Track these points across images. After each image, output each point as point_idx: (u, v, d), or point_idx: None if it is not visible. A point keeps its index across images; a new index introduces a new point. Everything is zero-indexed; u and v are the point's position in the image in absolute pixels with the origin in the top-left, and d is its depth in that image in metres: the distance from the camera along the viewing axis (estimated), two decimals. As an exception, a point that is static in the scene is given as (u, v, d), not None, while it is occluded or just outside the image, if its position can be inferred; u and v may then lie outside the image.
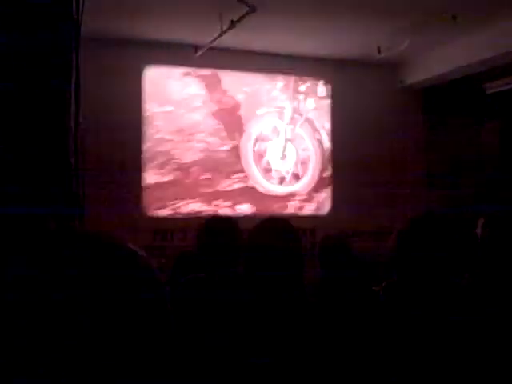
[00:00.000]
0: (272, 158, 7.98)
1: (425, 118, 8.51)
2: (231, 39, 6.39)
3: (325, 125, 8.19)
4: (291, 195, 8.05)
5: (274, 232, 2.00)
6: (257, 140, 7.88)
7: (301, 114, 8.09)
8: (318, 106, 8.17)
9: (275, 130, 8.01)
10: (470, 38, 6.75)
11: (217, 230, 2.74)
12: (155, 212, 7.31)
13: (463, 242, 1.90)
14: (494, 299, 2.43)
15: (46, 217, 1.77)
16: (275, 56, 7.60)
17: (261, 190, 7.86)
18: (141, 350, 0.65)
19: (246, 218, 6.61)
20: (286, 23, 6.40)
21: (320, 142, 8.18)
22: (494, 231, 3.02)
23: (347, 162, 7.90)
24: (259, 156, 7.88)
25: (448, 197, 8.29)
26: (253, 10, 5.46)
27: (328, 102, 8.18)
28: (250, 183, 7.81)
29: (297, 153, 8.08)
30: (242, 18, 5.68)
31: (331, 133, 8.15)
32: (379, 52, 7.15)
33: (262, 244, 1.97)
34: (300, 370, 1.78)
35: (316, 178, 8.16)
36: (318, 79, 8.12)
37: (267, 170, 7.92)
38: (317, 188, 8.16)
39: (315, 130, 8.16)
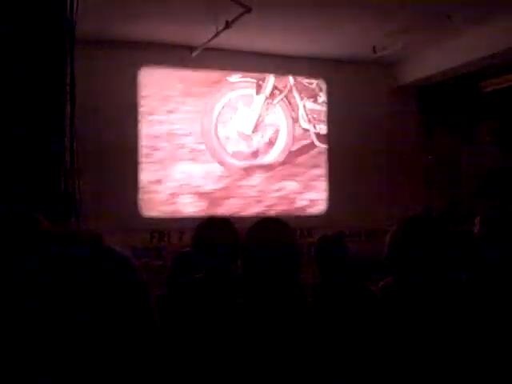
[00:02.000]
0: (241, 129, 7.75)
1: (421, 117, 8.53)
2: (227, 40, 6.38)
3: (306, 104, 8.04)
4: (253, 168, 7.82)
5: (271, 232, 2.00)
6: (223, 108, 7.63)
7: (281, 90, 7.93)
8: (302, 87, 8.04)
9: (248, 101, 7.78)
10: (466, 37, 6.76)
11: (214, 231, 2.73)
12: (152, 212, 7.30)
13: (460, 240, 1.90)
14: (491, 298, 2.44)
15: (38, 216, 1.76)
16: (271, 56, 7.60)
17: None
18: (123, 354, 0.64)
19: (243, 218, 6.60)
20: (282, 23, 6.40)
21: (295, 121, 8.01)
22: (491, 229, 3.03)
23: (344, 161, 7.91)
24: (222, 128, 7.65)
25: (445, 196, 8.31)
26: (248, 10, 5.45)
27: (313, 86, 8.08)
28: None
29: (266, 129, 7.90)
30: (237, 18, 5.67)
31: (328, 132, 8.15)
32: (374, 51, 7.16)
33: (258, 244, 1.97)
34: (298, 370, 1.78)
35: (282, 157, 7.97)
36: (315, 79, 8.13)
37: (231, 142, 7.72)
38: (281, 171, 8.00)
39: (292, 109, 8.00)
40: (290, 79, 8.00)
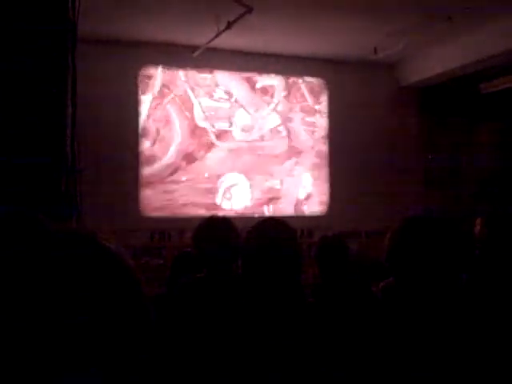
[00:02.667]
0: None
1: (422, 118, 8.53)
2: (228, 40, 6.39)
3: (202, 101, 7.55)
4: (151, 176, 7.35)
5: (272, 232, 2.00)
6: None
7: (171, 89, 7.44)
8: (195, 83, 7.55)
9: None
10: (466, 39, 6.76)
11: (214, 231, 2.73)
12: (153, 212, 7.31)
13: (460, 241, 1.91)
14: (492, 298, 2.44)
15: (40, 216, 1.76)
16: (272, 56, 7.60)
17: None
18: (119, 348, 0.65)
19: (244, 218, 6.60)
20: (283, 24, 6.40)
21: (190, 120, 7.52)
22: (491, 231, 3.03)
23: (345, 161, 7.91)
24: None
25: (446, 196, 8.31)
26: (249, 10, 5.46)
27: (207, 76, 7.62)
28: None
29: (157, 131, 7.37)
30: (238, 18, 5.68)
31: (329, 133, 8.15)
32: (376, 52, 7.17)
33: (259, 244, 1.97)
34: (298, 370, 1.78)
35: (177, 157, 7.47)
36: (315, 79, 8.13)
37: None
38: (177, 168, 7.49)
39: (186, 108, 7.48)
40: (181, 75, 7.46)
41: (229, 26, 5.90)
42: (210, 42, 6.40)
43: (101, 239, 0.71)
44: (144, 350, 0.68)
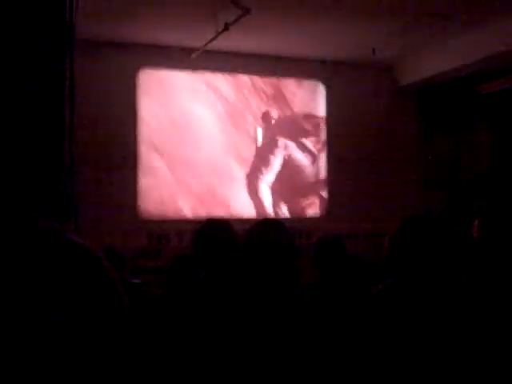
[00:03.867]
0: None
1: (421, 119, 8.53)
2: (226, 42, 6.39)
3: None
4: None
5: (270, 234, 2.00)
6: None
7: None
8: None
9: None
10: (465, 39, 6.77)
11: (213, 233, 2.73)
12: (151, 215, 7.30)
13: (458, 242, 1.91)
14: (491, 300, 2.44)
15: (37, 217, 1.76)
16: (270, 58, 7.60)
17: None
18: (91, 346, 0.65)
19: (242, 220, 6.60)
20: (281, 25, 6.40)
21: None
22: (489, 232, 3.03)
23: (344, 163, 7.91)
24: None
25: (444, 197, 8.31)
26: (247, 12, 5.46)
27: None
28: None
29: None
30: (236, 20, 5.68)
31: (327, 134, 8.15)
32: (374, 53, 7.17)
33: (257, 246, 1.97)
34: (296, 369, 1.78)
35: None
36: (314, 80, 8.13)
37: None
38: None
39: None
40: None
41: (226, 27, 5.89)
42: (207, 43, 6.39)
43: (72, 236, 0.70)
44: (117, 344, 0.67)
